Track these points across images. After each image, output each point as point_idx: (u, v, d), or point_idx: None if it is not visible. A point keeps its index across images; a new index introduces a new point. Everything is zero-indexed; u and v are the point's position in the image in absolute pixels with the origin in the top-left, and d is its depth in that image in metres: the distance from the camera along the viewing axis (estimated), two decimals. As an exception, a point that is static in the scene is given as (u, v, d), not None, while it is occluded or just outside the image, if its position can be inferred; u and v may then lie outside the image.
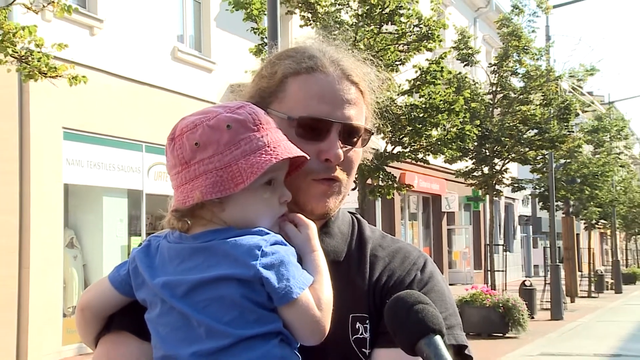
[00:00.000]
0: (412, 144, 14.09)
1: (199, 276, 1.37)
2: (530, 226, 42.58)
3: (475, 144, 18.61)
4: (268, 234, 1.40)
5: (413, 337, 1.27)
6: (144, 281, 1.44)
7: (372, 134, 1.63)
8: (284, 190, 1.47)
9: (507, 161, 20.32)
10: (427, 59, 13.96)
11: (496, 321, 14.89)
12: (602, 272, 32.02)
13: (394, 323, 1.31)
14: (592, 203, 29.89)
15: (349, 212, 1.72)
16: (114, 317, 1.51)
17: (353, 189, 13.23)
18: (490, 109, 20.02)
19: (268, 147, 1.40)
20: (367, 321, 1.52)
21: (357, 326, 1.52)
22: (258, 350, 1.36)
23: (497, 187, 20.70)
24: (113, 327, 1.50)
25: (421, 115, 13.39)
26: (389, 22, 12.84)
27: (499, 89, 20.20)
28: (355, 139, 1.57)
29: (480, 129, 17.84)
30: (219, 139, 1.39)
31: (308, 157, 1.47)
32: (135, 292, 1.46)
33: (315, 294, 1.40)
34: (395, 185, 14.30)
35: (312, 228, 1.49)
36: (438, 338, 1.27)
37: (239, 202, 1.41)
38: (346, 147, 1.56)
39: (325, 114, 1.52)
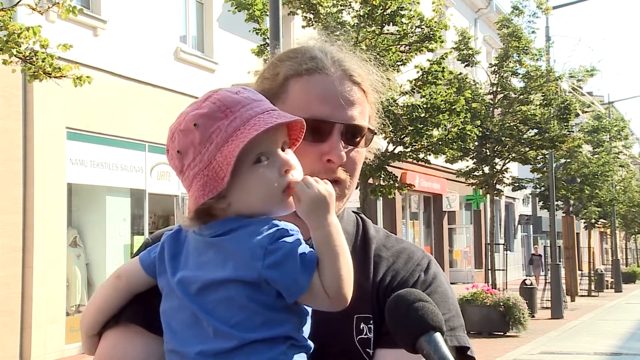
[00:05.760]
0: (414, 143, 14.11)
1: (209, 276, 1.36)
2: (531, 225, 42.58)
3: (476, 143, 18.64)
4: (274, 226, 1.35)
5: (413, 334, 1.26)
6: (166, 270, 1.43)
7: (375, 133, 1.60)
8: (282, 160, 1.38)
9: (507, 161, 20.33)
10: (428, 60, 13.99)
11: (497, 320, 14.92)
12: (602, 271, 32.07)
13: (394, 321, 1.30)
14: (592, 202, 29.92)
15: (354, 212, 1.70)
16: (123, 310, 1.48)
17: (355, 189, 13.27)
18: (491, 109, 20.04)
19: (238, 130, 1.34)
20: (371, 321, 1.50)
21: (361, 326, 1.50)
22: (264, 355, 1.34)
23: (497, 186, 20.73)
24: (122, 320, 1.48)
25: (422, 115, 13.41)
26: (391, 23, 12.88)
27: (499, 89, 20.21)
28: (358, 139, 1.55)
29: (480, 129, 17.85)
30: (193, 141, 1.36)
31: (298, 119, 1.40)
32: (158, 277, 1.44)
33: (325, 272, 1.33)
34: (397, 184, 14.32)
35: (330, 193, 1.37)
36: (438, 335, 1.26)
37: (237, 191, 1.37)
38: (349, 147, 1.53)
39: (327, 115, 1.50)
